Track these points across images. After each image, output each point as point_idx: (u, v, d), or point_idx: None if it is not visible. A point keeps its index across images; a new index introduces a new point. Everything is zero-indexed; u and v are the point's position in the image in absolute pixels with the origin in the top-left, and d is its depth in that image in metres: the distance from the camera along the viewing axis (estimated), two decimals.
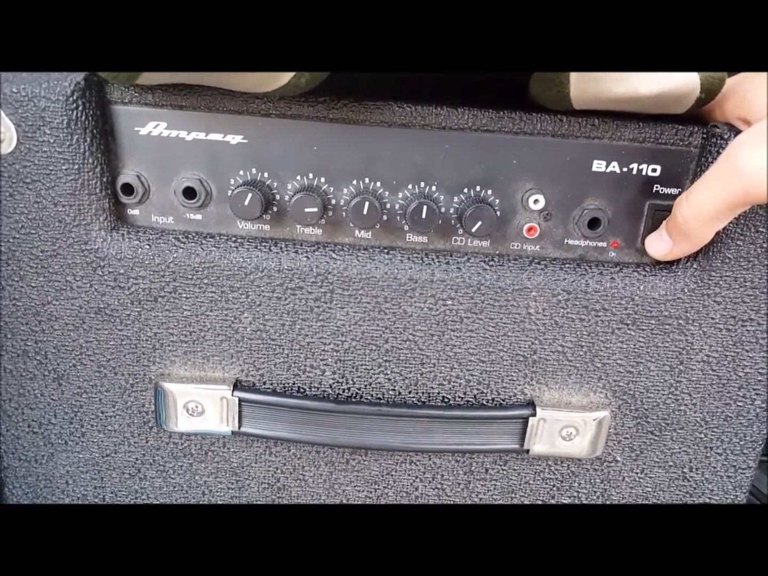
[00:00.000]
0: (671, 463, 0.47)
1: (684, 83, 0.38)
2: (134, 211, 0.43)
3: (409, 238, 0.44)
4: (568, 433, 0.44)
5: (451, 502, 0.48)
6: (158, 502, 0.49)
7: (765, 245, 0.41)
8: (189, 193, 0.42)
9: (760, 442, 0.47)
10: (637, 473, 0.47)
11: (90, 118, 0.39)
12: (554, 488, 0.48)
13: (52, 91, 0.38)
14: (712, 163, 0.39)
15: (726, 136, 0.39)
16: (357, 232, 0.43)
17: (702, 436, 0.46)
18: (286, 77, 0.35)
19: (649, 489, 0.48)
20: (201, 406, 0.44)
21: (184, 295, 0.42)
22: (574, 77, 0.37)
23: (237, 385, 0.44)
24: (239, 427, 0.44)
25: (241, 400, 0.44)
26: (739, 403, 0.45)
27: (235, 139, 0.41)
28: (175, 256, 0.42)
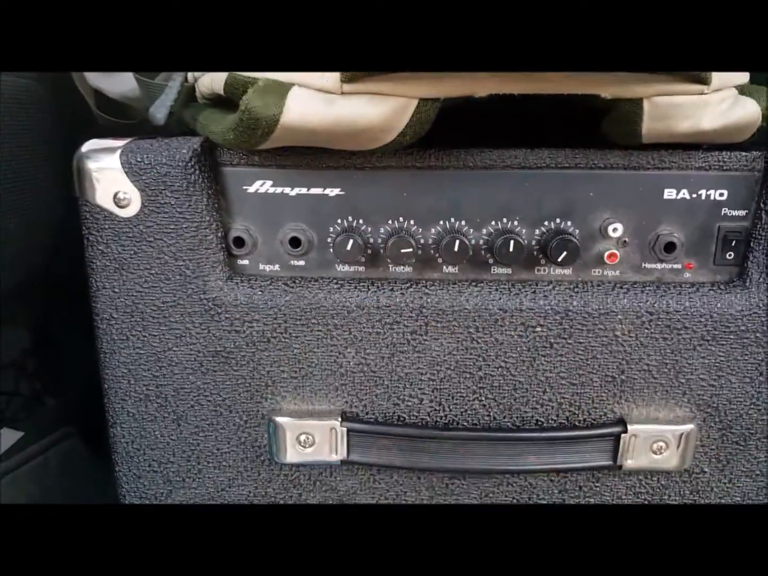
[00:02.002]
0: (758, 472, 0.49)
1: (745, 115, 0.41)
2: (244, 261, 0.47)
3: (494, 271, 0.47)
4: (659, 447, 0.46)
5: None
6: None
7: None
8: (294, 242, 0.46)
9: None
10: (725, 483, 0.49)
11: (205, 180, 0.44)
12: (646, 501, 0.50)
13: (172, 158, 0.43)
14: None
15: None
16: (445, 267, 0.47)
17: None
18: (392, 136, 0.39)
19: (738, 498, 0.49)
20: (312, 437, 0.47)
21: (294, 335, 0.46)
22: (646, 116, 0.40)
23: (344, 417, 0.47)
24: (348, 456, 0.47)
25: (349, 430, 0.47)
26: None
27: (333, 191, 0.45)
28: (285, 299, 0.45)
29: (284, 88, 0.37)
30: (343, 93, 0.37)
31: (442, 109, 0.39)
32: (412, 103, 0.38)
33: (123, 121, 0.63)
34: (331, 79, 0.37)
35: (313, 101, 0.37)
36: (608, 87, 0.39)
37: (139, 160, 0.43)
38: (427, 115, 0.39)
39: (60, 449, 0.76)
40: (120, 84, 0.58)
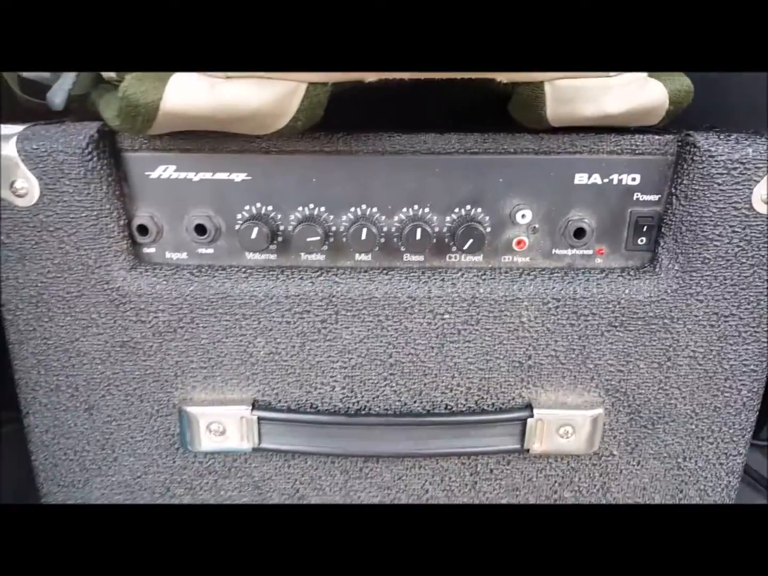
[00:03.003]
0: (665, 454, 0.50)
1: (651, 99, 0.41)
2: (150, 249, 0.46)
3: (406, 258, 0.47)
4: (565, 432, 0.47)
5: (460, 503, 0.51)
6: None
7: (741, 245, 0.43)
8: (200, 229, 0.45)
9: (749, 429, 0.49)
10: (633, 465, 0.50)
11: (104, 167, 0.43)
12: (556, 484, 0.51)
13: (69, 145, 0.42)
14: (687, 168, 0.42)
15: (699, 144, 0.42)
16: (357, 255, 0.46)
17: (693, 427, 0.49)
18: (283, 120, 0.38)
19: (646, 480, 0.51)
20: (222, 426, 0.47)
21: (201, 325, 0.46)
22: (549, 99, 0.40)
23: (255, 405, 0.47)
24: (259, 444, 0.48)
25: (259, 419, 0.47)
26: (726, 394, 0.48)
27: (239, 176, 0.44)
28: (191, 289, 0.45)
29: (165, 74, 0.36)
30: (228, 77, 0.36)
31: (347, 95, 0.38)
32: (301, 87, 0.37)
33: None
34: None
35: (195, 86, 0.36)
36: (504, 72, 0.38)
37: (35, 147, 0.42)
38: (318, 100, 0.38)
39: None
40: None
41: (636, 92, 0.40)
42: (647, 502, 0.51)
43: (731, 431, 0.49)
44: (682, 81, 0.41)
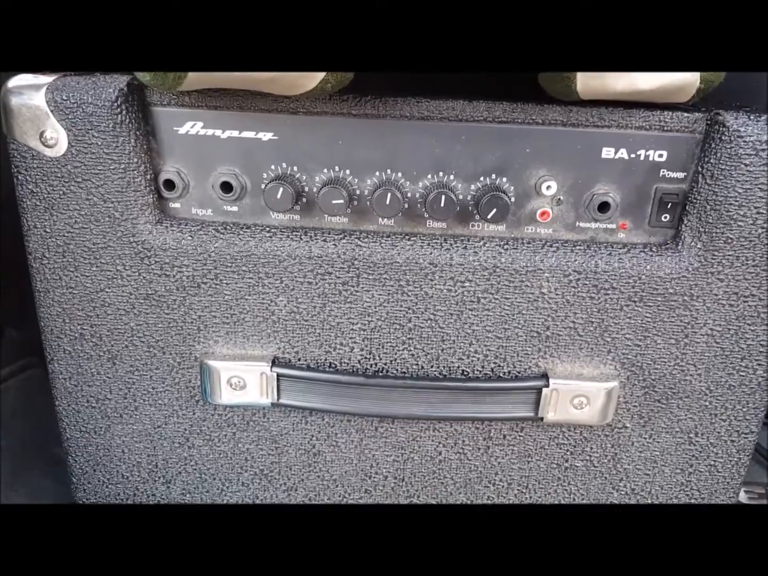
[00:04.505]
0: (678, 429, 0.50)
1: (683, 76, 0.40)
2: (176, 205, 0.46)
3: (429, 225, 0.47)
4: (580, 402, 0.48)
5: (473, 467, 0.52)
6: (206, 469, 0.53)
7: (765, 226, 0.43)
8: (226, 187, 0.45)
9: (762, 409, 0.50)
10: (645, 438, 0.51)
11: (133, 121, 0.43)
12: (568, 452, 0.51)
13: (98, 97, 0.42)
14: (715, 147, 0.42)
15: (728, 123, 0.41)
16: (381, 220, 0.47)
17: (707, 403, 0.49)
18: (313, 82, 0.38)
19: (657, 453, 0.51)
20: (243, 380, 0.48)
21: (225, 281, 0.46)
22: (580, 72, 0.39)
23: (275, 362, 0.48)
24: (278, 399, 0.49)
25: (279, 375, 0.48)
26: (742, 373, 0.48)
27: (266, 136, 0.45)
28: (216, 246, 0.45)
29: None
30: None
31: None
32: None
33: None
34: None
35: None
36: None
37: (65, 98, 0.42)
38: None
39: (22, 378, 0.78)
40: None
41: None
42: (657, 475, 0.52)
43: (744, 410, 0.49)
44: None
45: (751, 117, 0.41)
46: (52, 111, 0.42)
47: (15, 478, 0.63)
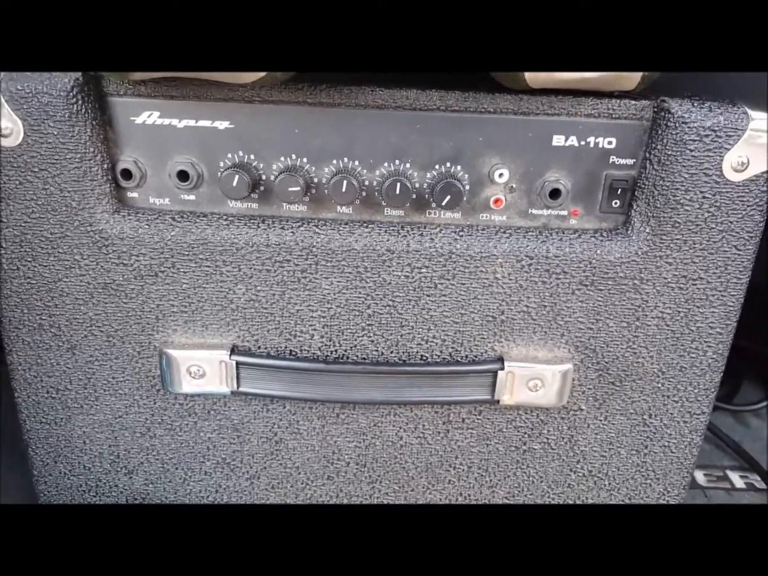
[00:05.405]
0: (632, 411, 0.52)
1: None
2: (133, 194, 0.47)
3: (387, 212, 0.47)
4: (535, 385, 0.49)
5: (433, 450, 0.53)
6: (168, 458, 0.54)
7: (711, 210, 0.44)
8: (182, 175, 0.46)
9: (713, 390, 0.51)
10: (600, 420, 0.52)
11: (89, 111, 0.43)
12: (525, 435, 0.52)
13: (54, 87, 0.42)
14: (662, 134, 0.43)
15: (673, 110, 0.43)
16: (339, 208, 0.47)
17: (659, 385, 0.51)
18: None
19: (613, 434, 0.53)
20: (202, 369, 0.48)
21: (182, 270, 0.47)
22: None
23: (234, 350, 0.49)
24: (237, 387, 0.49)
25: (238, 363, 0.48)
26: (692, 355, 0.49)
27: (222, 124, 0.45)
28: (172, 234, 0.46)
29: None
30: None
31: None
32: None
33: None
34: None
35: None
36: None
37: (19, 88, 0.42)
38: None
39: None
40: None
41: None
42: (613, 456, 0.53)
43: (696, 391, 0.51)
44: None
45: (695, 104, 0.43)
46: (7, 101, 0.42)
47: None
